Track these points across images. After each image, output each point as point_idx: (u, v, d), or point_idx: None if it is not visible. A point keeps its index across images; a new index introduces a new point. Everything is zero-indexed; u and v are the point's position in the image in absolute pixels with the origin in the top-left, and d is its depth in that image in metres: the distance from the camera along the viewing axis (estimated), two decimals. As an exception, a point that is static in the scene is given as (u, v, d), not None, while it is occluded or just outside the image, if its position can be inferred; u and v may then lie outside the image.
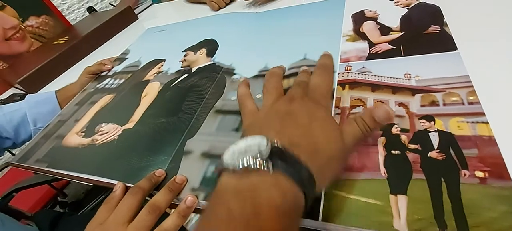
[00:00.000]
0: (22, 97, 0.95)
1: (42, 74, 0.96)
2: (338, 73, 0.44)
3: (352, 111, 0.38)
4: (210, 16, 0.81)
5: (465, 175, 0.28)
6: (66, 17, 1.29)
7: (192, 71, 0.58)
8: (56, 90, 0.70)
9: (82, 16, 1.37)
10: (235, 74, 0.53)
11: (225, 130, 0.43)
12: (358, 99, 0.39)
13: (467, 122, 0.32)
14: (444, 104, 0.35)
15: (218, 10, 0.89)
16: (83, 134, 0.53)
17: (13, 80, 0.99)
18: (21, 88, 0.96)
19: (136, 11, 1.18)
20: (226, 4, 0.89)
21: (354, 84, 0.42)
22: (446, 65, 0.38)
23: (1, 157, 1.29)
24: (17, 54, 1.16)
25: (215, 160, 0.39)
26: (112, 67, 0.73)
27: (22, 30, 1.17)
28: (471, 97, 0.34)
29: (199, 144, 0.42)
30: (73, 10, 1.38)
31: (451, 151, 0.30)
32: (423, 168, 0.30)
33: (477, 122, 0.32)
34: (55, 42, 1.12)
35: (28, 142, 0.58)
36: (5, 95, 1.09)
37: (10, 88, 1.11)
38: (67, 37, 1.11)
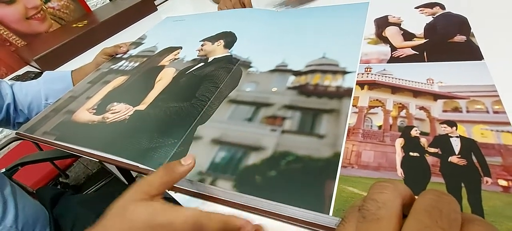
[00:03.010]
0: (36, 75, 0.96)
1: (58, 55, 0.97)
2: (358, 74, 0.43)
3: (370, 111, 0.37)
4: (230, 11, 0.81)
5: (487, 182, 0.27)
6: (87, 3, 1.31)
7: (209, 61, 0.58)
8: (72, 70, 0.70)
9: (103, 2, 1.39)
10: (251, 67, 0.53)
11: (238, 119, 0.42)
12: (376, 100, 0.38)
13: (492, 130, 0.31)
14: (468, 111, 0.33)
15: None
16: (94, 111, 0.53)
17: (29, 58, 1.00)
18: (36, 66, 0.97)
19: (156, 3, 1.19)
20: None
21: (373, 85, 0.41)
22: (471, 74, 0.37)
23: (8, 135, 1.30)
24: (36, 33, 1.19)
25: (225, 147, 0.38)
26: (128, 50, 0.74)
27: (43, 11, 1.19)
28: (497, 107, 0.33)
29: (210, 130, 0.42)
30: (95, -3, 1.40)
31: (473, 158, 0.29)
32: (442, 172, 0.29)
33: (502, 131, 0.30)
34: (74, 25, 1.14)
35: (38, 114, 0.58)
36: (20, 72, 1.11)
37: (26, 65, 1.13)
38: (86, 21, 1.13)
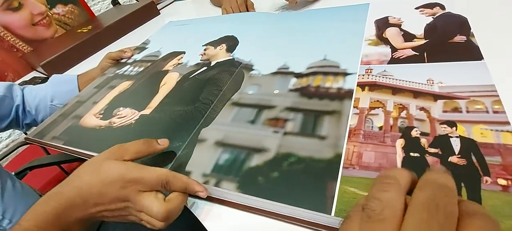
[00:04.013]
0: (43, 80, 0.98)
1: (64, 60, 0.99)
2: (358, 75, 0.44)
3: (370, 112, 0.38)
4: (232, 15, 0.82)
5: (486, 181, 0.27)
6: (91, 8, 1.33)
7: (211, 64, 0.59)
8: (78, 74, 0.72)
9: (106, 8, 1.41)
10: (253, 70, 0.53)
11: (241, 121, 0.43)
12: (377, 101, 0.39)
13: (491, 130, 0.31)
14: (468, 111, 0.34)
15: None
16: (101, 116, 0.54)
17: (36, 63, 1.02)
18: (43, 72, 0.99)
19: (158, 7, 1.21)
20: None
21: (374, 86, 0.41)
22: (471, 74, 0.38)
23: (16, 139, 1.32)
24: (41, 39, 1.21)
25: (228, 149, 0.39)
26: (132, 55, 0.75)
27: (49, 17, 1.21)
28: (496, 106, 0.33)
29: (213, 132, 0.42)
30: (98, 2, 1.42)
31: (473, 157, 0.29)
32: (442, 172, 0.29)
33: (502, 131, 0.31)
34: (79, 30, 1.16)
35: (46, 119, 0.60)
36: (27, 77, 1.12)
37: (33, 71, 1.15)
38: (90, 26, 1.15)
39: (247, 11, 0.81)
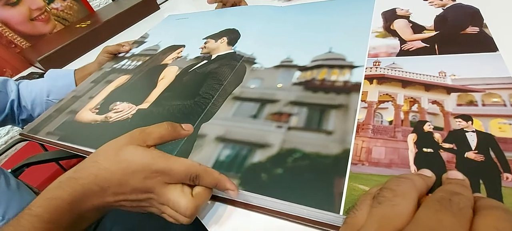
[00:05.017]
0: (40, 75, 0.96)
1: (62, 55, 0.97)
2: (366, 68, 0.42)
3: (380, 106, 0.36)
4: (233, 8, 0.80)
5: (507, 178, 0.25)
6: (90, 3, 1.31)
7: (212, 58, 0.57)
8: (75, 69, 0.70)
9: (106, 3, 1.39)
10: (255, 63, 0.51)
11: (242, 116, 0.41)
12: (386, 94, 0.37)
13: (510, 124, 0.29)
14: (484, 105, 0.32)
15: None
16: (97, 110, 0.52)
17: (33, 59, 1.00)
18: (40, 67, 0.97)
19: (158, 2, 1.19)
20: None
21: (382, 79, 0.39)
22: (486, 66, 0.36)
23: (15, 136, 1.31)
24: (40, 34, 1.19)
25: (229, 145, 0.37)
26: (130, 49, 0.73)
27: (47, 12, 1.19)
28: (515, 99, 0.31)
29: (214, 128, 0.41)
30: (98, -3, 1.40)
31: (491, 153, 0.28)
32: (459, 168, 0.27)
33: (522, 125, 0.29)
34: (78, 26, 1.14)
35: (41, 115, 0.58)
36: (25, 73, 1.11)
37: (30, 66, 1.13)
38: (89, 21, 1.13)
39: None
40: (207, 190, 0.31)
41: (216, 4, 0.83)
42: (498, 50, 0.37)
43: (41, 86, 0.65)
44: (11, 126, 1.10)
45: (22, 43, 1.16)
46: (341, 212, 0.27)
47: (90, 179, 0.29)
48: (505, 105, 0.31)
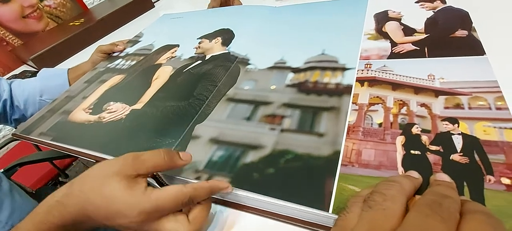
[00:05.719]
0: (33, 74, 0.95)
1: (55, 54, 0.96)
2: (357, 70, 0.42)
3: (370, 109, 0.37)
4: (228, 7, 0.80)
5: (490, 180, 0.26)
6: (84, 1, 1.30)
7: (206, 58, 0.57)
8: (69, 68, 0.69)
9: (99, 1, 1.38)
10: (249, 64, 0.52)
11: (236, 118, 0.42)
12: (377, 97, 0.38)
13: (494, 127, 0.30)
14: (470, 108, 0.33)
15: None
16: (91, 110, 0.52)
17: (26, 57, 0.99)
18: (33, 65, 0.96)
19: (152, 0, 1.18)
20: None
21: (373, 82, 0.40)
22: (473, 69, 0.37)
23: (7, 135, 1.30)
24: (32, 32, 1.17)
25: (223, 146, 0.38)
26: (124, 48, 0.73)
27: (40, 10, 1.18)
28: (499, 103, 0.32)
29: (208, 129, 0.41)
30: (91, -6, 1.39)
31: (476, 155, 0.28)
32: (444, 170, 0.28)
33: (505, 128, 0.30)
34: (71, 23, 1.13)
35: (34, 115, 0.58)
36: (17, 71, 1.10)
37: (23, 65, 1.12)
38: (82, 19, 1.12)
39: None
40: (203, 209, 0.30)
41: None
42: (485, 53, 0.38)
43: (34, 85, 0.65)
44: (3, 125, 1.09)
45: (14, 41, 1.14)
46: (330, 211, 0.27)
47: (77, 208, 0.28)
48: (490, 108, 0.32)
